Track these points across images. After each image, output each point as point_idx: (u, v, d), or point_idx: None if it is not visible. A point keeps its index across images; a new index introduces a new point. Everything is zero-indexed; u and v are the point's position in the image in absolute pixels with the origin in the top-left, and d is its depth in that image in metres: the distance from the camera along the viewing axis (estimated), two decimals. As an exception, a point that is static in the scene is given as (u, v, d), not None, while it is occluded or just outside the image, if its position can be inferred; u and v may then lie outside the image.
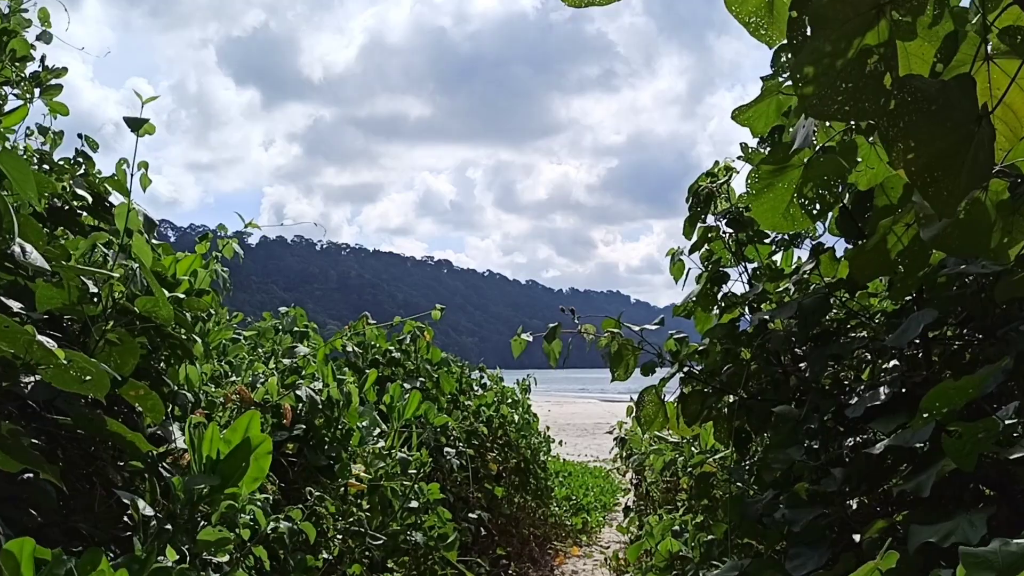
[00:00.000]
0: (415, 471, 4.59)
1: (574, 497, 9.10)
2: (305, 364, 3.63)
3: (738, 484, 2.97)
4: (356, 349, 6.66)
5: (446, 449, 6.24)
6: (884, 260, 1.84)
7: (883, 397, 2.30)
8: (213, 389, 2.97)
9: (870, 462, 2.22)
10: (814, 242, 3.14)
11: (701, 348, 3.13)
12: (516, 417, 7.41)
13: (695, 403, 3.12)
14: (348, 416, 3.86)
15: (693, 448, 3.82)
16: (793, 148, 1.86)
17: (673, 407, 3.20)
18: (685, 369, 3.15)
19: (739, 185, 3.40)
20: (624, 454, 6.85)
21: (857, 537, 2.19)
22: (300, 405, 3.55)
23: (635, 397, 3.28)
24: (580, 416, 35.18)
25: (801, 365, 3.14)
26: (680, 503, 4.95)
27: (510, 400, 7.24)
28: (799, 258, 3.39)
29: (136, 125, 2.39)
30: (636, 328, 3.23)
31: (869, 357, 2.97)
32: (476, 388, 7.34)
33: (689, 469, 3.94)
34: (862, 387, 2.80)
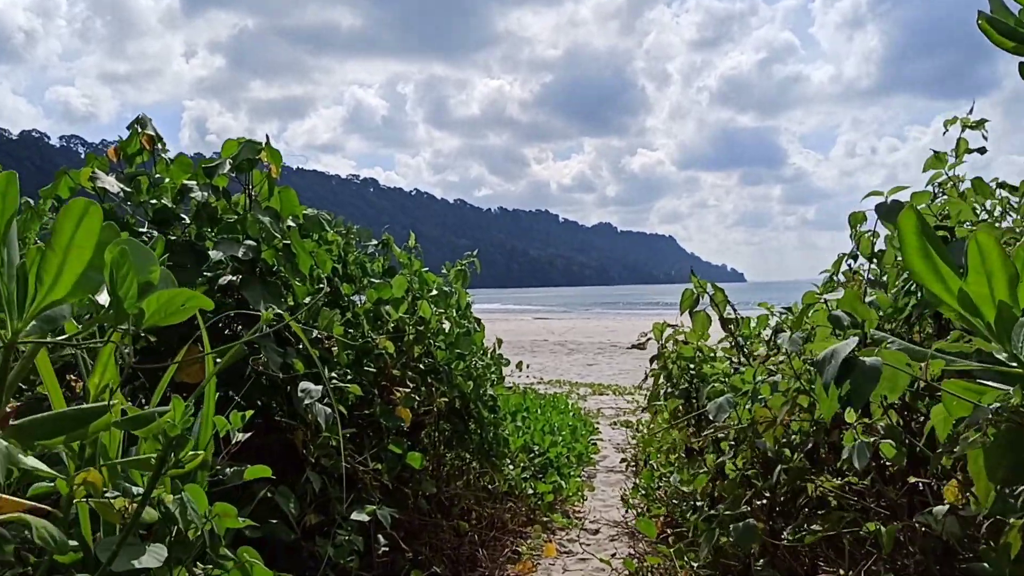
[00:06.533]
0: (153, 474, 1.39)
1: (536, 447, 5.97)
2: None
3: None
4: (126, 189, 3.37)
5: (303, 385, 3.07)
6: None
7: None
8: None
9: None
10: None
11: None
12: (447, 324, 4.26)
13: None
14: None
15: None
16: None
17: None
18: None
19: None
20: (666, 388, 3.76)
21: None
22: None
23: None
24: (515, 333, 32.33)
25: None
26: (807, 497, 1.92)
27: (435, 291, 4.06)
28: None
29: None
30: None
31: None
32: (377, 277, 4.16)
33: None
34: None
